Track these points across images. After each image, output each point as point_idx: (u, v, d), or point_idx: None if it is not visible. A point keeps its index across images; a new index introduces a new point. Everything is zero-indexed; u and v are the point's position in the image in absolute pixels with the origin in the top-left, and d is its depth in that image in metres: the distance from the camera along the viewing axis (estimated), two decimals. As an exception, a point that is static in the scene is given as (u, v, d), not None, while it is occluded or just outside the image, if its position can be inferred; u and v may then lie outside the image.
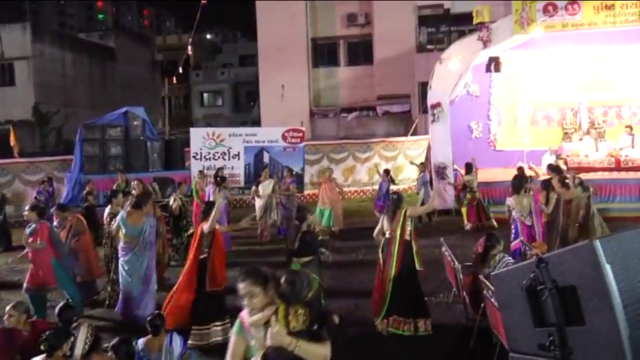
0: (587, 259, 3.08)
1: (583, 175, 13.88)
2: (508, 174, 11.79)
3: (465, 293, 6.58)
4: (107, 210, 8.70)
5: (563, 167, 14.25)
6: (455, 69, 14.58)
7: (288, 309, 3.15)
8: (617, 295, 2.97)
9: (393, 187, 12.79)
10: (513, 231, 8.64)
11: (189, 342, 6.17)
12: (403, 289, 6.64)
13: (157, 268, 8.01)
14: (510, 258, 6.34)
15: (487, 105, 16.65)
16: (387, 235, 6.82)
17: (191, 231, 10.78)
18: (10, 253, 11.43)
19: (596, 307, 3.07)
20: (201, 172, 13.40)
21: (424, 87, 18.43)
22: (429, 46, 25.49)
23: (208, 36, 60.10)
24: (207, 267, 6.54)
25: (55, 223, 8.28)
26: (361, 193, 18.21)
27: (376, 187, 14.88)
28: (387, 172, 13.91)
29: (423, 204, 13.19)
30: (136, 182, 11.18)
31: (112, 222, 8.16)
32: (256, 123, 30.12)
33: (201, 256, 6.56)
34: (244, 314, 3.33)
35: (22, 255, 7.81)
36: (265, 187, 12.31)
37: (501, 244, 6.43)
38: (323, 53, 26.86)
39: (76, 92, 33.10)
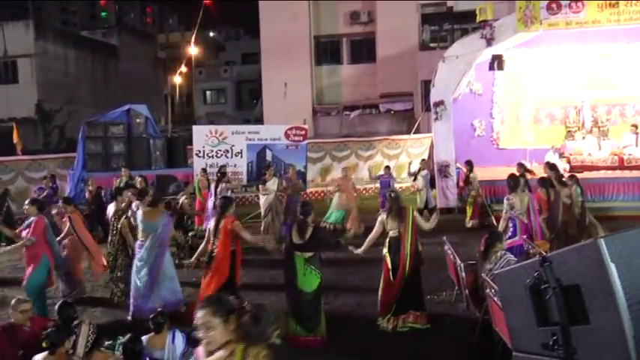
0: (591, 258, 3.07)
1: (586, 174, 13.97)
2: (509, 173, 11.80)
3: (467, 291, 6.57)
4: (112, 207, 8.68)
5: (566, 165, 14.31)
6: (458, 67, 14.55)
7: (247, 349, 2.82)
8: (621, 294, 2.95)
9: (398, 185, 12.82)
10: (511, 229, 8.63)
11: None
12: (414, 285, 6.78)
13: None
14: (512, 255, 6.33)
15: (490, 103, 16.62)
16: (393, 234, 6.81)
17: (191, 233, 10.89)
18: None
19: (600, 306, 3.05)
20: (203, 169, 13.40)
21: (427, 85, 18.40)
22: (432, 44, 25.45)
23: (211, 34, 60.16)
24: (235, 261, 6.89)
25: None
26: (364, 191, 18.20)
27: (377, 184, 14.89)
28: (387, 168, 13.94)
29: (426, 205, 13.30)
30: (139, 179, 11.20)
31: (119, 219, 8.23)
32: (259, 121, 30.13)
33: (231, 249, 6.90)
34: (200, 350, 3.03)
35: (14, 246, 7.81)
36: (270, 185, 12.29)
37: (502, 242, 6.43)
38: (326, 51, 26.83)
39: (79, 90, 33.15)
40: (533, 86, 16.30)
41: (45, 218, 7.70)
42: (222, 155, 14.71)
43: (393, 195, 7.07)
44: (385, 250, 6.88)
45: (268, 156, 15.06)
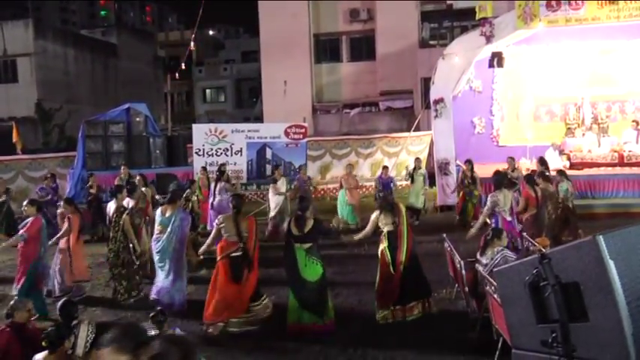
0: (590, 255, 3.06)
1: (586, 171, 13.97)
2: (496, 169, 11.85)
3: (467, 289, 6.58)
4: (113, 205, 8.67)
5: (566, 162, 14.31)
6: (458, 64, 14.54)
7: None
8: (620, 291, 2.95)
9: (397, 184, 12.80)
10: (493, 226, 8.66)
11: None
12: (415, 275, 7.04)
13: None
14: (510, 252, 6.36)
15: (490, 100, 16.60)
16: (389, 229, 7.01)
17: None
18: (13, 249, 11.42)
19: (599, 304, 3.05)
20: (204, 168, 13.40)
21: (427, 82, 18.38)
22: (431, 42, 25.44)
23: (211, 32, 60.06)
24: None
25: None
26: (363, 189, 18.19)
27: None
28: (385, 168, 14.01)
29: (424, 205, 13.30)
30: (138, 178, 11.20)
31: (121, 216, 8.27)
32: (259, 119, 30.11)
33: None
34: None
35: (8, 243, 7.83)
36: (280, 185, 12.27)
37: (501, 239, 6.46)
38: (325, 49, 26.80)
39: (79, 89, 33.13)
40: (533, 83, 16.28)
41: (42, 219, 7.72)
42: (222, 153, 14.72)
43: (381, 195, 7.36)
44: (383, 245, 7.00)
45: (268, 154, 15.08)
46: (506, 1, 16.13)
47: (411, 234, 7.14)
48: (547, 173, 10.06)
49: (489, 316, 5.73)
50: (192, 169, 14.54)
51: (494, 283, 4.95)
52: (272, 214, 12.17)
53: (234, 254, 6.84)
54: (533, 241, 7.83)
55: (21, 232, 7.42)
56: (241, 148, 14.90)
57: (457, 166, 14.14)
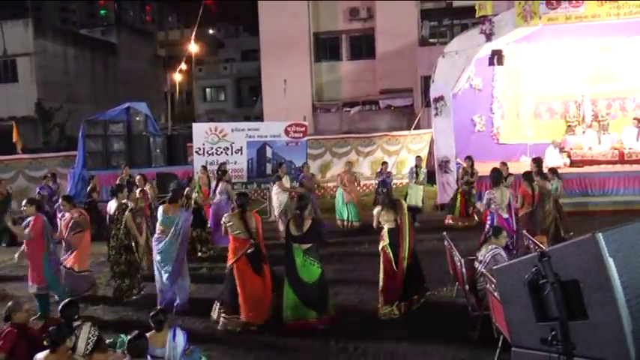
0: (589, 253, 3.07)
1: (586, 168, 13.97)
2: (511, 167, 11.84)
3: (467, 287, 6.59)
4: (113, 204, 8.65)
5: (567, 160, 14.30)
6: (457, 62, 14.52)
7: None
8: (620, 289, 2.96)
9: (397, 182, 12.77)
10: (489, 223, 8.67)
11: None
12: (415, 270, 7.22)
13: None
14: (502, 251, 6.39)
15: (490, 98, 16.58)
16: (390, 226, 7.09)
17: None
18: (14, 249, 11.42)
19: (598, 301, 3.06)
20: (204, 167, 13.40)
21: (427, 81, 18.34)
22: (431, 40, 25.39)
23: (211, 31, 60.05)
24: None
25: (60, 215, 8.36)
26: (364, 187, 18.18)
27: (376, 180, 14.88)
28: (385, 164, 13.98)
29: (423, 202, 13.28)
30: (138, 177, 11.20)
31: (123, 213, 8.29)
32: (259, 118, 30.09)
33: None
34: None
35: (19, 252, 7.82)
36: (285, 182, 12.24)
37: (499, 238, 6.50)
38: (325, 48, 26.76)
39: (79, 88, 33.12)
40: (533, 81, 16.27)
41: (43, 217, 7.72)
42: (222, 152, 14.71)
43: (383, 191, 7.40)
44: (384, 243, 7.03)
45: (268, 153, 15.06)
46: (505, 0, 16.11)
47: (412, 231, 7.22)
48: (544, 172, 10.06)
49: (490, 314, 5.74)
50: (193, 168, 14.53)
51: (494, 281, 4.95)
52: (276, 212, 12.15)
53: (248, 251, 6.90)
54: (533, 239, 7.82)
55: (26, 230, 7.41)
56: (241, 147, 14.88)
57: (457, 164, 14.13)
